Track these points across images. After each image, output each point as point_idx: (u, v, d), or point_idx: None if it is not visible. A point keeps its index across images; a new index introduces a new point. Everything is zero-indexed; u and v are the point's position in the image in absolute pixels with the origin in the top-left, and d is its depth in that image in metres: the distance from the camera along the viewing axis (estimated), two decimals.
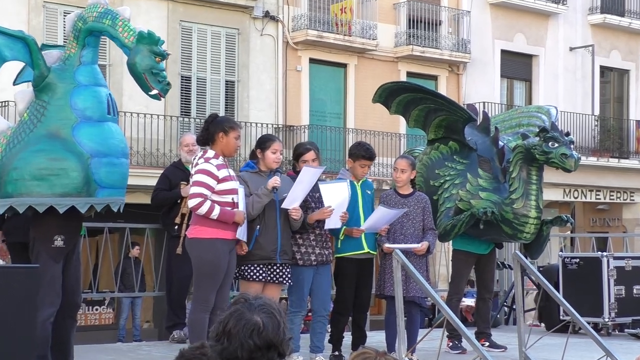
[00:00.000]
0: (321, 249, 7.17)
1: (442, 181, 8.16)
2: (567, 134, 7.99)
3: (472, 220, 7.88)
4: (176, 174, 8.50)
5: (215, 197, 6.37)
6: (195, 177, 6.40)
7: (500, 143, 8.21)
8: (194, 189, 6.37)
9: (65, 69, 6.23)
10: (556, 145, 7.78)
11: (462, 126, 8.09)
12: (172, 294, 8.62)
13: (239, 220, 6.42)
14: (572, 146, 7.91)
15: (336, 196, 7.12)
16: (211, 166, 6.38)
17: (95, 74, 6.30)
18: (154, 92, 6.16)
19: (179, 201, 8.34)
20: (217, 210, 6.32)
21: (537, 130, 8.37)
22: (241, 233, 6.59)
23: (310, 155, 7.25)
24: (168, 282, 8.69)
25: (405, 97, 8.15)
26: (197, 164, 6.45)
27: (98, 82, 6.30)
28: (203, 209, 6.32)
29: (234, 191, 6.45)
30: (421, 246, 7.37)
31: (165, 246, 8.76)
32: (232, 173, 6.55)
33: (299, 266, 7.08)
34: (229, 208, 6.42)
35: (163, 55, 6.15)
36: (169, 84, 6.23)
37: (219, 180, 6.38)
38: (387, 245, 7.39)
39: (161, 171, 9.20)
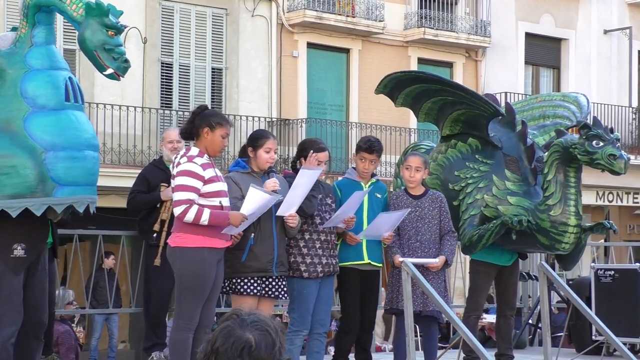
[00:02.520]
0: (328, 257, 7.18)
1: (463, 184, 8.12)
2: (612, 131, 7.93)
3: (502, 230, 7.84)
4: (156, 174, 8.49)
5: (201, 201, 6.34)
6: (179, 180, 6.36)
7: (529, 139, 8.20)
8: (179, 195, 6.33)
9: (15, 52, 6.15)
10: (601, 144, 7.71)
11: (485, 122, 8.06)
12: (150, 310, 8.63)
13: (234, 223, 6.38)
14: (618, 145, 7.85)
15: (352, 204, 7.12)
16: (195, 166, 6.35)
17: (50, 55, 6.21)
18: (109, 71, 6.07)
19: (158, 205, 8.33)
20: (206, 214, 6.28)
21: (567, 123, 8.36)
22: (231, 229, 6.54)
23: (324, 156, 7.27)
24: (146, 297, 8.70)
25: (415, 89, 8.12)
26: (179, 163, 6.41)
27: (54, 64, 6.20)
28: (190, 216, 6.28)
29: (222, 193, 6.44)
30: (438, 261, 7.37)
31: (142, 256, 8.78)
32: (219, 173, 6.54)
33: (303, 279, 7.08)
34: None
35: (117, 29, 6.04)
36: (127, 60, 6.11)
37: (205, 182, 6.35)
38: (399, 259, 7.41)
39: (138, 171, 9.21)
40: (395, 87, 8.19)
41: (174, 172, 6.46)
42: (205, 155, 6.44)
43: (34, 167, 5.98)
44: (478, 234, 7.91)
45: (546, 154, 7.97)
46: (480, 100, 8.02)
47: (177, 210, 6.31)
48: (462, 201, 8.10)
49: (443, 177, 8.20)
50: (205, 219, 6.28)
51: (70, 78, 6.23)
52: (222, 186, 6.47)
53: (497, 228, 7.83)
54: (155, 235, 8.25)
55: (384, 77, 8.27)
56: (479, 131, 8.14)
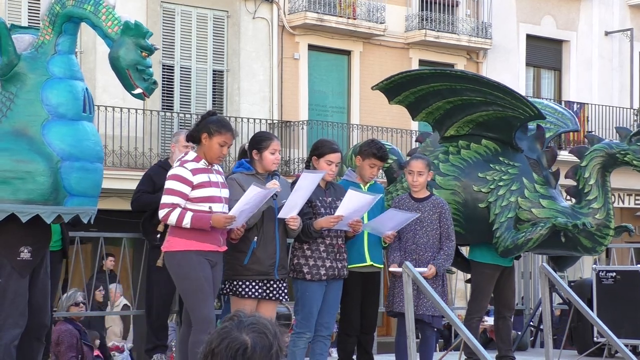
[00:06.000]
0: (332, 261, 7.15)
1: (492, 186, 8.07)
2: None
3: (550, 233, 7.91)
4: (162, 175, 8.41)
5: (190, 206, 6.40)
6: (167, 184, 6.47)
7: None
8: (165, 198, 6.43)
9: (37, 57, 6.19)
10: None
11: (518, 124, 8.01)
12: (152, 312, 8.62)
13: (217, 225, 6.40)
14: None
15: (357, 206, 7.07)
16: (185, 171, 6.42)
17: (71, 65, 6.28)
18: (138, 90, 6.14)
19: None
20: (188, 217, 6.34)
21: (551, 127, 8.41)
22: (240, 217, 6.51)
23: (336, 157, 7.24)
24: (148, 299, 8.69)
25: (430, 87, 7.97)
26: (173, 167, 6.54)
27: (74, 74, 6.27)
28: (172, 219, 6.36)
29: (213, 199, 6.45)
30: (429, 271, 7.35)
31: (145, 257, 8.77)
32: (216, 179, 6.53)
33: (306, 281, 7.09)
34: None
35: (151, 50, 6.11)
36: (155, 82, 6.20)
37: (194, 187, 6.41)
38: (391, 269, 7.41)
39: (139, 173, 9.20)
40: (407, 83, 8.10)
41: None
42: (203, 160, 6.48)
43: (49, 175, 6.03)
44: (524, 237, 7.92)
45: (586, 158, 8.09)
46: (522, 102, 7.89)
47: (161, 213, 6.43)
48: (492, 203, 8.05)
49: (464, 178, 8.13)
50: (187, 222, 6.34)
51: (86, 89, 6.32)
52: (215, 192, 6.49)
53: (546, 231, 7.87)
54: (159, 236, 8.23)
55: (405, 71, 8.20)
56: (500, 133, 8.07)
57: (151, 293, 8.59)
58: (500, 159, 8.13)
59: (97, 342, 12.30)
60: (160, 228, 8.20)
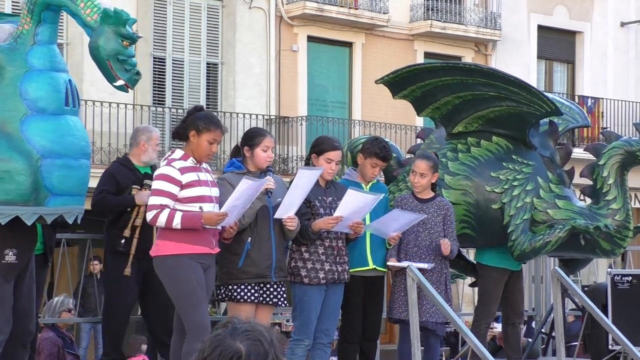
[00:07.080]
0: (332, 264, 7.15)
1: (506, 186, 8.05)
2: None
3: (568, 235, 7.92)
4: (125, 175, 8.12)
5: (180, 207, 6.40)
6: (154, 185, 6.47)
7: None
8: (152, 199, 6.42)
9: (16, 49, 6.16)
10: None
11: (533, 120, 8.02)
12: (112, 321, 8.14)
13: (209, 223, 6.40)
14: None
15: (357, 206, 7.06)
16: (172, 170, 6.42)
17: (52, 56, 6.24)
18: (120, 82, 6.11)
19: (129, 209, 8.08)
20: (177, 217, 6.34)
21: (560, 122, 8.45)
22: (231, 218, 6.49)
23: (337, 155, 7.24)
24: (107, 307, 8.35)
25: (439, 82, 7.96)
26: (160, 166, 6.54)
27: (56, 66, 6.24)
28: (162, 220, 6.35)
29: (203, 199, 6.45)
30: (443, 245, 7.36)
31: (107, 263, 8.45)
32: (206, 178, 6.54)
33: (304, 285, 7.09)
34: None
35: (132, 39, 6.08)
36: (138, 73, 6.16)
37: (182, 186, 6.40)
38: (390, 263, 7.39)
39: None
40: (414, 77, 8.09)
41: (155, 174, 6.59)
42: (190, 159, 6.48)
43: (29, 173, 6.00)
44: (542, 240, 7.90)
45: (604, 156, 8.11)
46: (538, 97, 7.87)
47: (149, 216, 6.41)
48: (507, 204, 8.02)
49: (475, 178, 8.10)
50: (177, 222, 6.33)
51: (69, 81, 6.27)
52: (204, 191, 6.49)
53: (565, 234, 7.86)
54: (123, 241, 7.98)
55: (408, 66, 8.22)
56: (513, 130, 8.05)
57: (111, 301, 8.27)
58: (514, 157, 8.11)
59: (144, 347, 12.28)
60: (127, 233, 7.96)
